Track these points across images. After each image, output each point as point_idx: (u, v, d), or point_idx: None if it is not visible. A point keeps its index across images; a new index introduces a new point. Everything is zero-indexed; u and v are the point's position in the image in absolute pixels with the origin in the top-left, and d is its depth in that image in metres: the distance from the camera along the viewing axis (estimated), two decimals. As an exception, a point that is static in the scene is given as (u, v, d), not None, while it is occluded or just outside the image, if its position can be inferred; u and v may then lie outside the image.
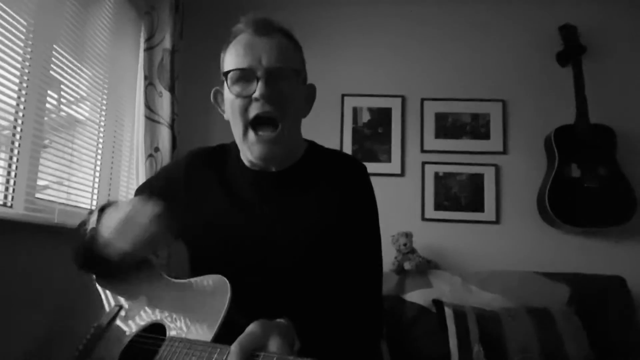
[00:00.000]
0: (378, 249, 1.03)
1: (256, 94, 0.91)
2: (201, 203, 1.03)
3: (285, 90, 0.93)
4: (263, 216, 0.99)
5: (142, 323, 0.92)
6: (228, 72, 0.94)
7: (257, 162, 0.99)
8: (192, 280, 0.92)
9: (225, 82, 0.97)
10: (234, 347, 0.70)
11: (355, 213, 0.99)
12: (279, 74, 0.92)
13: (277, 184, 1.01)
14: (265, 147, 0.95)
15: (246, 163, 1.03)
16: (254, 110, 0.93)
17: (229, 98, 0.96)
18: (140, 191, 1.14)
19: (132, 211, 0.88)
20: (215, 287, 0.86)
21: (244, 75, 0.93)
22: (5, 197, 1.46)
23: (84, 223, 1.00)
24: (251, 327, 0.73)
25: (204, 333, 0.81)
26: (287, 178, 1.01)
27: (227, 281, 0.85)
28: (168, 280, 0.98)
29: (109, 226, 0.90)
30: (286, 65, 0.93)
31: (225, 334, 0.78)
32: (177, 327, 0.87)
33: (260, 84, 0.91)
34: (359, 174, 1.05)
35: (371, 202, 1.04)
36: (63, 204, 1.73)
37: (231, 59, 0.95)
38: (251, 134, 0.95)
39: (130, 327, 0.92)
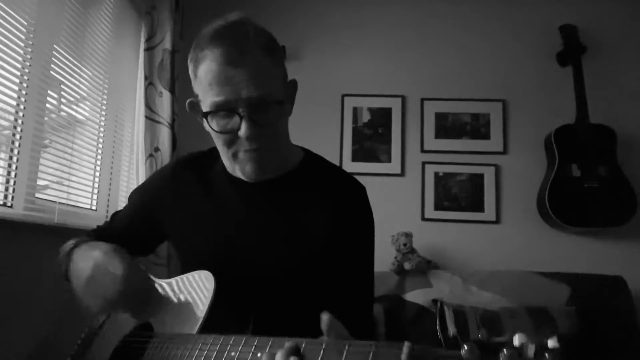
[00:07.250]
0: (370, 272, 0.99)
1: (241, 135, 0.85)
2: (187, 211, 1.01)
3: (271, 121, 0.88)
4: (248, 225, 0.96)
5: (131, 325, 0.92)
6: (207, 113, 0.87)
7: (249, 179, 0.94)
8: (179, 277, 0.93)
9: (205, 119, 0.90)
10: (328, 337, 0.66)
11: (349, 233, 0.95)
12: (261, 106, 0.85)
13: (264, 193, 0.96)
14: (256, 164, 0.91)
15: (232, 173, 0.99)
16: (240, 146, 0.88)
17: (211, 129, 0.91)
18: (132, 195, 1.13)
19: (99, 268, 0.89)
20: (200, 281, 0.87)
21: (225, 112, 0.86)
22: (5, 197, 1.46)
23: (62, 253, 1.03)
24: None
25: (189, 327, 0.81)
26: (277, 188, 0.97)
27: (212, 275, 0.85)
28: (155, 280, 0.98)
29: (77, 278, 0.92)
30: (269, 94, 0.86)
31: (210, 327, 0.78)
32: (164, 324, 0.87)
33: (244, 123, 0.85)
34: (358, 194, 1.00)
35: (368, 224, 1.00)
36: (63, 203, 1.73)
37: (205, 89, 0.86)
38: (241, 154, 0.90)
39: (119, 330, 0.93)
